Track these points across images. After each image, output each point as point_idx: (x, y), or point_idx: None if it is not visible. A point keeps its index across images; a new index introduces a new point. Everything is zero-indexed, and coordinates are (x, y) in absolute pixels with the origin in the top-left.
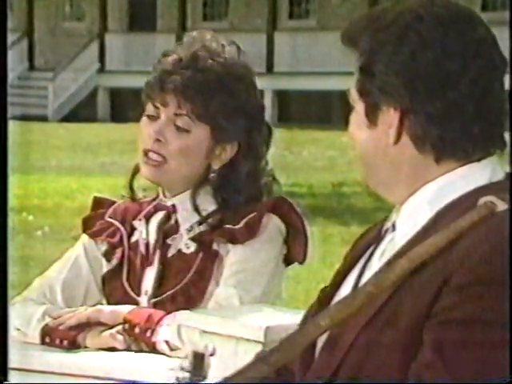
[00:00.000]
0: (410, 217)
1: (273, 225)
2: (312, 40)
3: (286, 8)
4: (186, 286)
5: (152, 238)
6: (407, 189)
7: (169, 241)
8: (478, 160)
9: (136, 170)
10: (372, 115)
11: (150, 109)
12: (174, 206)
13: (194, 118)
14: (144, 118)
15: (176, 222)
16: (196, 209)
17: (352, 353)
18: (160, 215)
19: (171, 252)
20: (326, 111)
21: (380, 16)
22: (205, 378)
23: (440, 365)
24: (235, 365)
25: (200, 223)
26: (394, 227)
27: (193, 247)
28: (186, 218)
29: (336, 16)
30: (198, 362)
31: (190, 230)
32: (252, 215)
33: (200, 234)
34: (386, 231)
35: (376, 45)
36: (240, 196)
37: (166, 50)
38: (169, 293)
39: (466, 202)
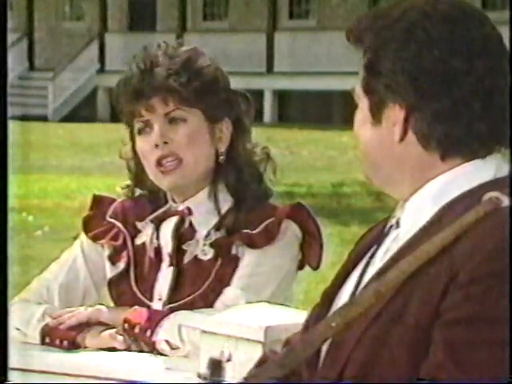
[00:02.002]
0: (415, 213)
1: (291, 231)
2: (312, 40)
3: (286, 8)
4: (204, 292)
5: (164, 243)
6: (412, 186)
7: (184, 247)
8: (483, 157)
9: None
10: (377, 113)
11: (138, 125)
12: (189, 208)
13: (185, 106)
14: (138, 139)
15: (191, 226)
16: (217, 207)
17: (358, 351)
18: (173, 220)
19: (187, 258)
20: (326, 111)
21: (385, 13)
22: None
23: (452, 366)
24: (235, 365)
25: (217, 228)
26: (398, 224)
27: (210, 254)
28: (202, 223)
29: (336, 16)
30: (216, 368)
31: (207, 235)
32: (270, 220)
33: (218, 239)
34: (390, 228)
35: (382, 42)
36: (242, 175)
37: (120, 78)
38: (187, 299)
39: (471, 197)
